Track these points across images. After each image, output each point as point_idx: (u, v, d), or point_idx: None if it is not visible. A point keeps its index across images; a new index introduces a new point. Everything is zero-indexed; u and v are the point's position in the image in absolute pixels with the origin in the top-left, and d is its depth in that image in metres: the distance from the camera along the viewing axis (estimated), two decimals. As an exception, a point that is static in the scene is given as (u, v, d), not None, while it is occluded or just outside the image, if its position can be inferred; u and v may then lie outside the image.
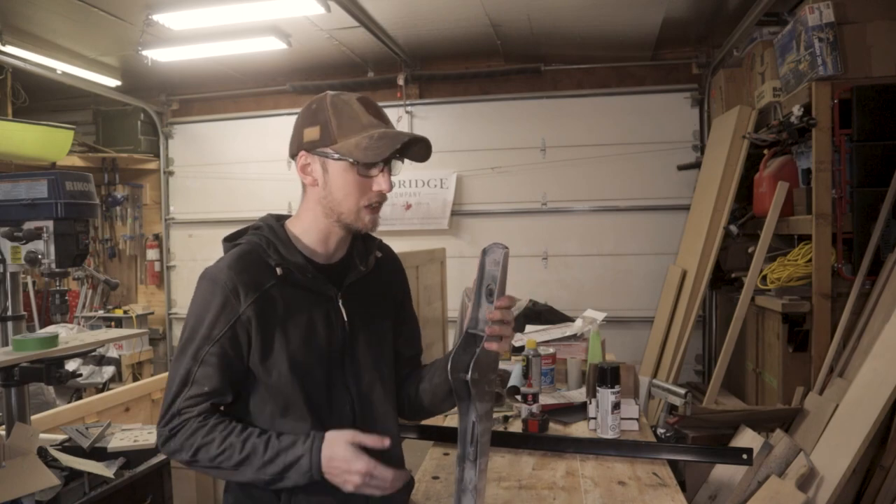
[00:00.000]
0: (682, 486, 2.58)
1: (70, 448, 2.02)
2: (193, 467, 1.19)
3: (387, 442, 1.14)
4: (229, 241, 1.32)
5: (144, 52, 4.33)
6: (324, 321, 1.26)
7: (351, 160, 1.19)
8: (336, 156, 1.20)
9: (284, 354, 1.20)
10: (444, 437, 1.91)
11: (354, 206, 1.22)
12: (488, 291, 1.17)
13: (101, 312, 5.65)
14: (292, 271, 1.23)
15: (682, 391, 2.37)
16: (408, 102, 5.20)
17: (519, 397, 2.17)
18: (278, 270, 1.22)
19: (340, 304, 1.28)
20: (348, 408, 1.26)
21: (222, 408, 1.21)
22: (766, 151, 3.63)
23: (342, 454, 1.11)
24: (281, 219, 1.33)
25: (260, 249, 1.24)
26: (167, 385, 1.20)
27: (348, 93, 1.25)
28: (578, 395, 2.29)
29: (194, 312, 1.21)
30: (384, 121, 1.24)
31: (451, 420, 2.14)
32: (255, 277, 1.21)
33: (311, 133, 1.22)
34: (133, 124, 5.67)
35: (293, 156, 1.26)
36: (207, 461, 1.15)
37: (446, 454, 1.84)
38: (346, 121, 1.20)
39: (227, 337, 1.18)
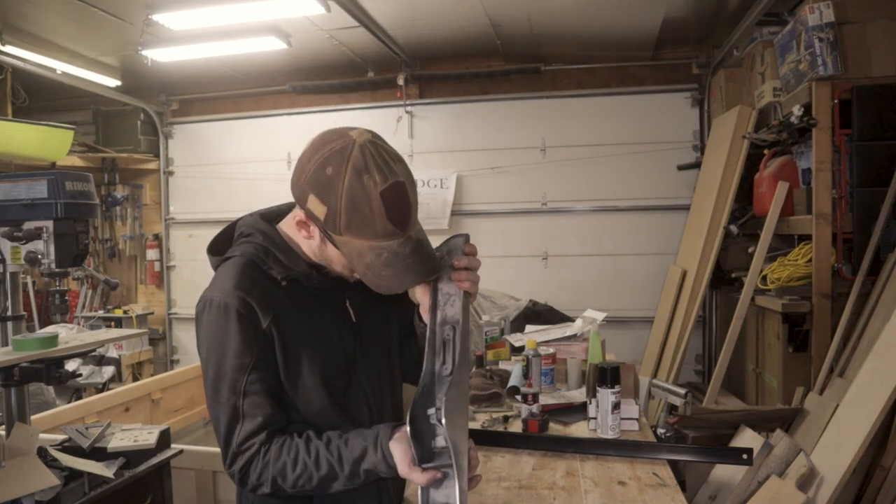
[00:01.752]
0: (682, 486, 2.58)
1: (70, 448, 2.02)
2: (282, 493, 1.15)
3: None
4: (217, 253, 1.24)
5: (144, 52, 4.33)
6: (336, 325, 1.23)
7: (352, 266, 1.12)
8: (338, 244, 1.10)
9: (308, 368, 1.17)
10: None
11: (346, 272, 1.19)
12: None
13: (101, 312, 5.66)
14: (299, 280, 1.18)
15: (682, 391, 2.37)
16: (408, 102, 5.20)
17: (519, 397, 2.17)
18: (283, 282, 1.16)
19: (348, 304, 1.26)
20: (365, 408, 1.25)
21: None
22: (766, 151, 3.63)
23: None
24: (268, 218, 1.25)
25: (259, 260, 1.17)
26: (214, 424, 1.15)
27: (373, 167, 1.04)
28: (578, 395, 2.29)
29: (215, 345, 1.13)
30: (404, 222, 1.08)
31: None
32: (265, 293, 1.14)
33: (317, 207, 1.07)
34: (133, 124, 5.66)
35: (296, 200, 1.13)
36: (291, 487, 1.12)
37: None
38: (357, 221, 1.05)
39: (259, 359, 1.12)
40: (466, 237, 1.24)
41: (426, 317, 1.20)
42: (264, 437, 1.12)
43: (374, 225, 1.05)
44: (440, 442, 1.07)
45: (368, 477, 1.12)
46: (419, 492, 1.08)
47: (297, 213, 1.13)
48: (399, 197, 1.06)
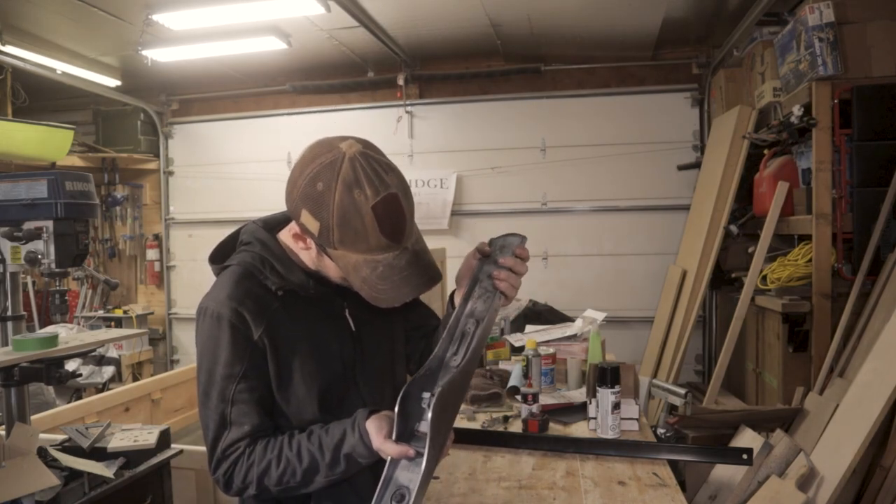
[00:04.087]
0: (682, 486, 2.59)
1: (70, 448, 2.02)
2: (267, 495, 1.15)
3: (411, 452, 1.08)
4: (217, 262, 1.23)
5: (144, 52, 4.33)
6: (334, 335, 1.22)
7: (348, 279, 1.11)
8: (333, 258, 1.10)
9: (302, 379, 1.16)
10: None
11: (345, 283, 1.15)
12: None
13: (101, 312, 5.66)
14: (295, 291, 1.17)
15: (682, 391, 2.37)
16: (408, 102, 5.20)
17: (519, 397, 2.17)
18: (279, 293, 1.15)
19: (347, 313, 1.24)
20: None
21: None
22: (766, 151, 3.63)
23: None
24: (269, 226, 1.24)
25: (255, 270, 1.16)
26: (203, 430, 1.16)
27: (363, 181, 1.03)
28: (578, 395, 2.29)
29: (207, 353, 1.14)
30: (398, 234, 1.07)
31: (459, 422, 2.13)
32: (259, 303, 1.14)
33: (310, 223, 1.07)
34: (133, 124, 5.66)
35: (290, 214, 1.12)
36: (275, 485, 1.12)
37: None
38: (349, 236, 1.05)
39: (250, 369, 1.13)
40: (523, 239, 1.23)
41: (458, 302, 1.21)
42: (249, 441, 1.13)
43: (367, 239, 1.05)
44: (423, 427, 1.06)
45: (349, 464, 1.11)
46: (387, 463, 1.07)
47: (293, 226, 1.14)
48: (392, 209, 1.05)
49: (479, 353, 1.17)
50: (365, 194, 1.03)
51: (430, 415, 1.02)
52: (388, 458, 1.06)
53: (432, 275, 1.13)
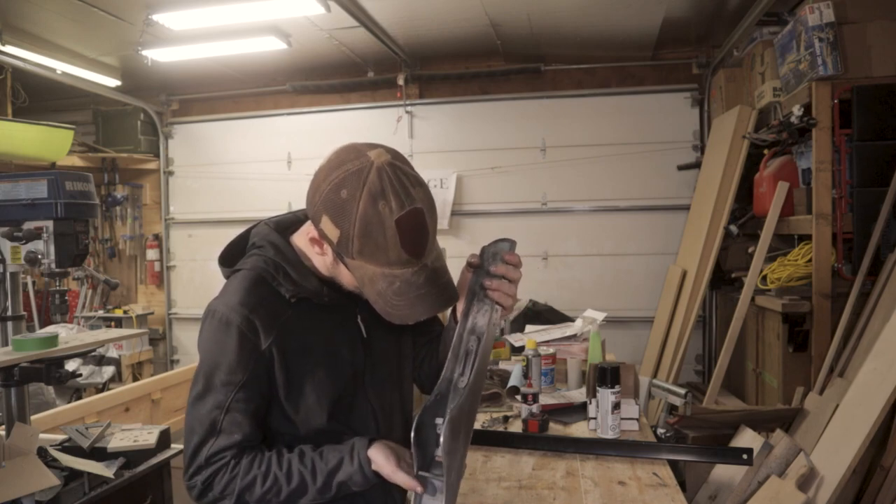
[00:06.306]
0: (682, 486, 2.59)
1: (70, 448, 2.02)
2: None
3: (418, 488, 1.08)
4: (227, 265, 1.20)
5: (144, 52, 4.33)
6: (346, 342, 1.20)
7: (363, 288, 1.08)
8: (350, 268, 1.08)
9: (312, 387, 1.14)
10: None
11: (358, 291, 1.13)
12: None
13: (101, 312, 5.65)
14: (309, 298, 1.14)
15: (682, 391, 2.37)
16: (408, 102, 5.20)
17: (519, 397, 2.17)
18: (292, 300, 1.12)
19: (359, 319, 1.22)
20: (372, 425, 1.23)
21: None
22: (766, 151, 3.63)
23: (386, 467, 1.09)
24: (281, 228, 1.21)
25: (268, 276, 1.13)
26: (187, 433, 1.12)
27: (389, 193, 1.00)
28: (578, 395, 2.29)
29: (210, 357, 1.11)
30: (419, 251, 1.04)
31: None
32: (271, 311, 1.11)
33: (330, 230, 1.04)
34: (133, 124, 5.66)
35: (310, 218, 1.10)
36: (256, 502, 1.09)
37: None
38: (370, 248, 1.02)
39: (251, 379, 1.10)
40: (512, 244, 1.19)
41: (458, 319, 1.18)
42: (236, 451, 1.11)
43: (387, 252, 1.02)
44: (440, 453, 1.04)
45: (340, 490, 1.10)
46: (412, 498, 1.07)
47: (311, 230, 1.11)
48: (415, 225, 1.02)
49: (483, 370, 1.14)
50: (390, 207, 1.00)
51: (441, 440, 1.01)
52: (415, 493, 1.06)
53: (450, 295, 1.10)
